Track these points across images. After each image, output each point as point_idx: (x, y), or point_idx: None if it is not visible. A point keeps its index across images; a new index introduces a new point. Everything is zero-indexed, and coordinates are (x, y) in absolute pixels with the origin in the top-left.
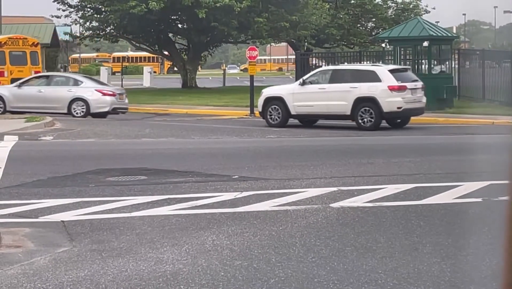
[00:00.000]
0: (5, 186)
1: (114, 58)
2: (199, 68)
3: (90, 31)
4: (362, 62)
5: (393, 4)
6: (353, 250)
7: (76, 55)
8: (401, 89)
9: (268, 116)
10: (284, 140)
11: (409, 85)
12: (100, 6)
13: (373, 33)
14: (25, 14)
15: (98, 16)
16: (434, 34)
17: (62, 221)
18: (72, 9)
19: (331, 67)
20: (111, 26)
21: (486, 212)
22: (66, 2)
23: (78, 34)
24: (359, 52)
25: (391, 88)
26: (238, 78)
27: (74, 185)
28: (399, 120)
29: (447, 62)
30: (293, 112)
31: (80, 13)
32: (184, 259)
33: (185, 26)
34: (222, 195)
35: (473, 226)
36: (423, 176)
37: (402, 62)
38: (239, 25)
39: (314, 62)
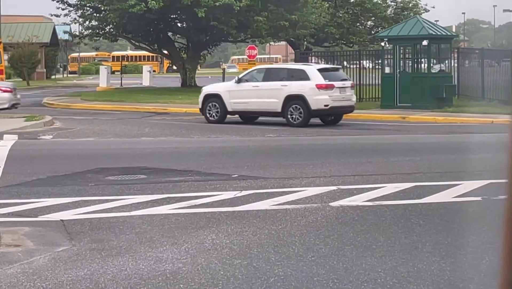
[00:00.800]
0: (5, 185)
1: (113, 57)
2: (199, 67)
3: (90, 30)
4: (362, 61)
5: (392, 3)
6: (353, 249)
7: (76, 54)
8: (328, 87)
9: (207, 113)
10: (283, 139)
11: (337, 84)
12: (99, 5)
13: (373, 32)
14: (25, 13)
15: (98, 15)
16: (434, 33)
17: (62, 220)
18: (72, 8)
19: (265, 66)
20: (111, 25)
21: (486, 210)
22: (65, 1)
23: (77, 33)
24: (359, 51)
25: (319, 87)
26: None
27: (74, 184)
28: (332, 118)
29: (446, 61)
30: (229, 109)
31: (79, 12)
32: (183, 258)
33: (184, 25)
34: (221, 194)
35: (473, 224)
36: (422, 175)
37: (401, 61)
38: (239, 24)
39: (313, 61)
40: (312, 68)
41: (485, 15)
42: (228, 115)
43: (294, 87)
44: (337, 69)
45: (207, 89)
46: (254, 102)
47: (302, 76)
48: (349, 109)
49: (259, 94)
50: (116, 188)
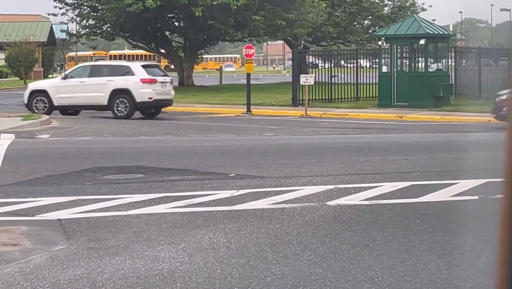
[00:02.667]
0: (2, 184)
1: (110, 56)
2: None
3: (87, 29)
4: (359, 60)
5: (389, 2)
6: (350, 248)
7: (73, 54)
8: (152, 82)
9: (34, 107)
10: (281, 138)
11: (159, 79)
12: (96, 4)
13: (370, 31)
14: (22, 12)
15: (95, 14)
16: (431, 32)
17: (59, 219)
18: (69, 7)
19: (90, 63)
20: (108, 24)
21: (483, 209)
22: (62, 0)
23: (74, 32)
24: (356, 50)
25: (143, 81)
26: (235, 76)
27: (71, 183)
28: (152, 111)
29: (443, 60)
30: (56, 103)
31: (76, 11)
32: (180, 257)
33: (181, 24)
34: (218, 193)
35: (470, 223)
36: (419, 174)
37: (398, 60)
38: (236, 23)
39: (311, 60)
40: (136, 64)
41: (482, 14)
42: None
43: (119, 81)
44: (157, 66)
45: (33, 85)
46: (81, 97)
47: (127, 71)
48: (169, 102)
49: (86, 89)
50: (113, 187)
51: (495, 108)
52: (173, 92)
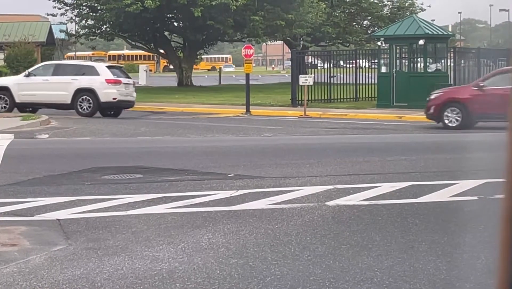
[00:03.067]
0: (1, 184)
1: (109, 56)
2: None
3: (86, 30)
4: (358, 60)
5: (388, 2)
6: (349, 248)
7: (72, 54)
8: (116, 82)
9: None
10: (280, 138)
11: (123, 80)
12: (95, 5)
13: (369, 32)
14: (21, 12)
15: (94, 14)
16: (430, 33)
17: (58, 220)
18: (68, 8)
19: (54, 62)
20: (107, 25)
21: (482, 210)
22: (62, 0)
23: (73, 33)
24: (355, 50)
25: (108, 81)
26: (234, 76)
27: (70, 183)
28: (112, 112)
29: (442, 61)
30: (17, 100)
31: (75, 11)
32: (180, 257)
33: (180, 24)
34: (217, 193)
35: (469, 224)
36: (418, 174)
37: (397, 61)
38: (235, 23)
39: (310, 60)
40: (101, 65)
41: (482, 14)
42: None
43: (84, 81)
44: (120, 68)
45: None
46: (44, 95)
47: (91, 71)
48: (131, 104)
49: (49, 88)
50: (112, 187)
51: (425, 108)
52: (135, 94)
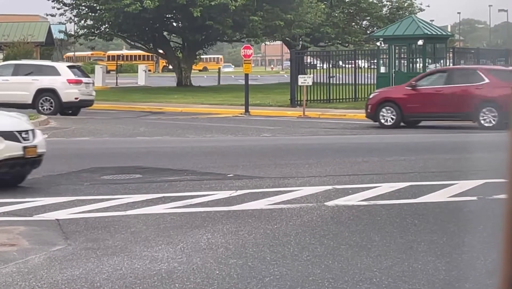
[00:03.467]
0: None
1: (109, 56)
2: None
3: (85, 30)
4: (357, 60)
5: (387, 3)
6: (348, 249)
7: (71, 54)
8: (77, 82)
9: None
10: (279, 139)
11: (84, 80)
12: (94, 5)
13: (368, 32)
14: (20, 12)
15: (93, 14)
16: (429, 33)
17: (57, 220)
18: (67, 8)
19: (14, 62)
20: (106, 25)
21: (481, 210)
22: (61, 0)
23: (72, 33)
24: (354, 50)
25: (70, 82)
26: (233, 76)
27: (69, 183)
28: (70, 111)
29: (441, 61)
30: None
31: (75, 12)
32: (179, 257)
33: (180, 24)
34: (217, 194)
35: (468, 224)
36: (417, 175)
37: (396, 61)
38: (234, 23)
39: (309, 60)
40: (61, 65)
41: (481, 14)
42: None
43: (45, 81)
44: (79, 67)
45: None
46: (3, 95)
47: (52, 72)
48: (91, 103)
49: (9, 88)
50: (111, 187)
51: (365, 107)
52: (94, 93)
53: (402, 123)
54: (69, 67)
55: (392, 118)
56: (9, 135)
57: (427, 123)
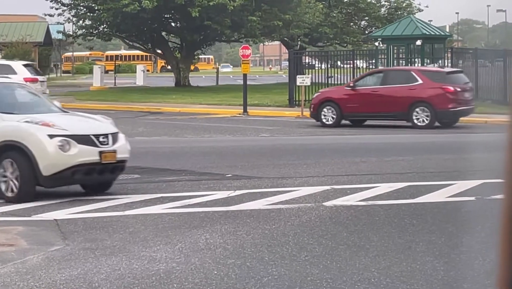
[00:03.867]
0: None
1: (107, 56)
2: (192, 66)
3: (83, 30)
4: (355, 60)
5: (386, 3)
6: (346, 249)
7: (69, 54)
8: (33, 81)
9: None
10: (277, 139)
11: (39, 78)
12: (93, 5)
13: (366, 32)
14: (19, 12)
15: (91, 14)
16: (427, 33)
17: (55, 220)
18: (65, 8)
19: None
20: (104, 25)
21: (479, 210)
22: (59, 0)
23: (71, 33)
24: (352, 51)
25: (26, 80)
26: (231, 76)
27: None
28: None
29: (440, 61)
30: None
31: (73, 12)
32: (177, 257)
33: (178, 24)
34: (215, 194)
35: (466, 224)
36: (416, 175)
37: (395, 61)
38: (232, 23)
39: (307, 60)
40: (18, 64)
41: (479, 15)
42: None
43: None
44: (33, 65)
45: None
46: None
47: (8, 71)
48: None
49: None
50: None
51: (309, 107)
52: (48, 91)
53: (344, 122)
54: (24, 65)
55: (333, 118)
56: (83, 139)
57: (371, 123)
